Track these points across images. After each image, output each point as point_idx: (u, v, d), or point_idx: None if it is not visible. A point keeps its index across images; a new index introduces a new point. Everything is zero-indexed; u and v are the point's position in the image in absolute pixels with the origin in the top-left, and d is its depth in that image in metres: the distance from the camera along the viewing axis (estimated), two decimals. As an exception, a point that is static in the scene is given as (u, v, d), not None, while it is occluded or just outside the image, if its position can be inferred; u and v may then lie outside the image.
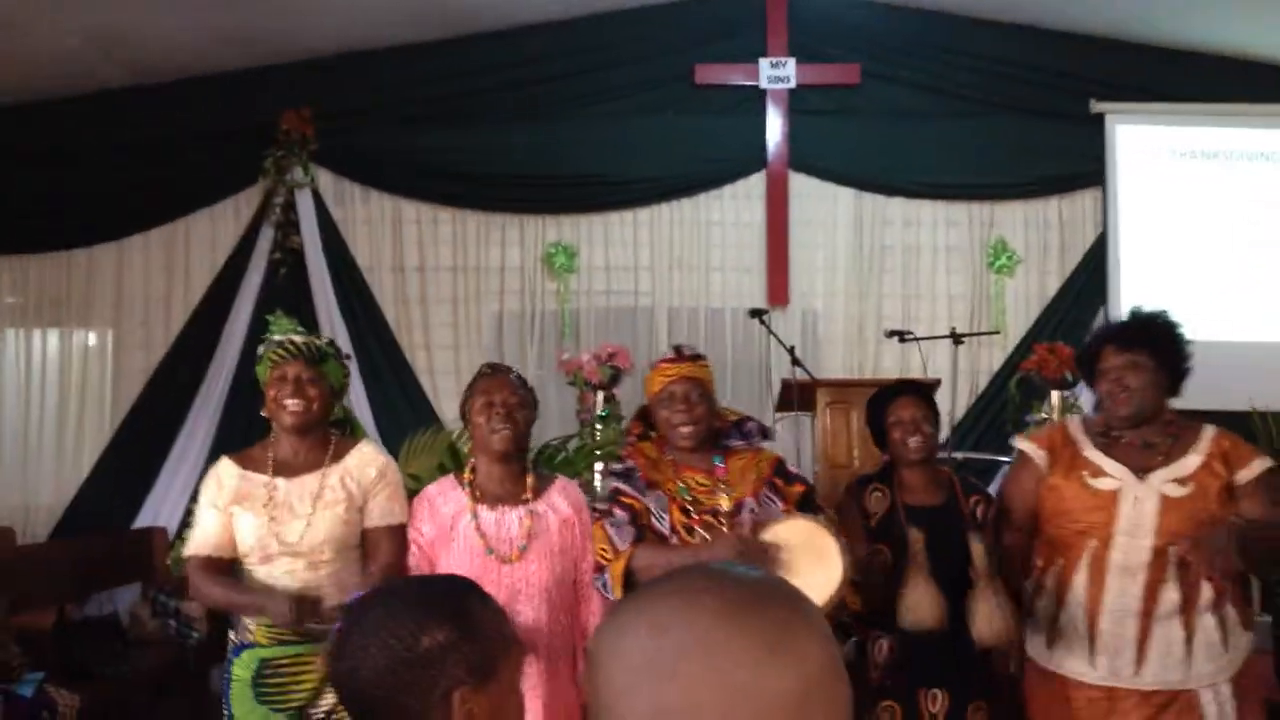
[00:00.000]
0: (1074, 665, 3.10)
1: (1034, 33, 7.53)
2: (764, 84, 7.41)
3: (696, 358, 3.22)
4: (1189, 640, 3.01)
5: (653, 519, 3.05)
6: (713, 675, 0.92)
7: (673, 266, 7.52)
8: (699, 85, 7.46)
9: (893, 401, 3.49)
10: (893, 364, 7.10)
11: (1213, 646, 3.02)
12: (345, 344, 7.30)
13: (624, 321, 7.42)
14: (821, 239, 7.55)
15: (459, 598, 1.59)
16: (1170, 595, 2.99)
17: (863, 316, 7.50)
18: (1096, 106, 7.55)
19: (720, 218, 7.59)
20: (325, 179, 7.46)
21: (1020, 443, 3.32)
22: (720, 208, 7.60)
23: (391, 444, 6.69)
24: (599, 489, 4.54)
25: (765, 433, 3.26)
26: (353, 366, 7.42)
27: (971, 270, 7.58)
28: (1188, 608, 3.00)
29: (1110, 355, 3.13)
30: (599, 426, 6.21)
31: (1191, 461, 3.06)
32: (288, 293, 7.16)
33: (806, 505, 3.12)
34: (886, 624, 3.29)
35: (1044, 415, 6.39)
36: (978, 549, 3.24)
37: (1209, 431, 3.13)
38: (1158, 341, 3.13)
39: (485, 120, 7.42)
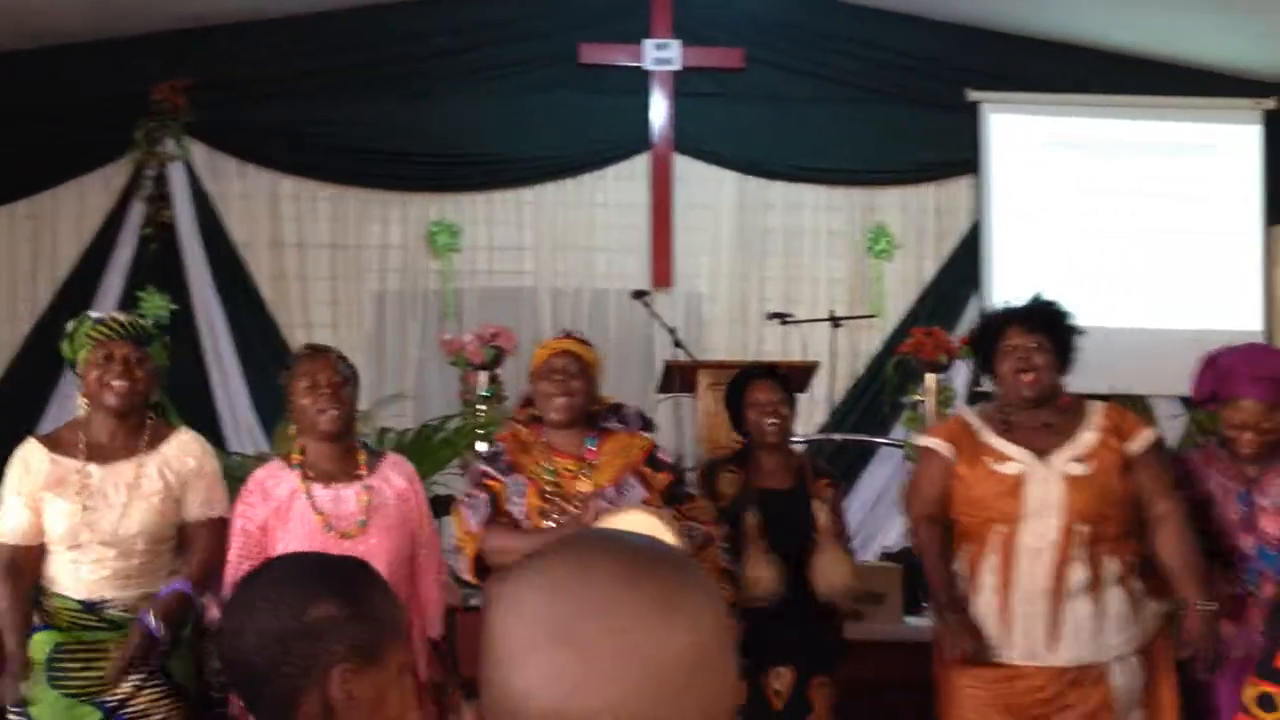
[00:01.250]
0: (991, 647, 3.14)
1: (914, 21, 7.65)
2: (648, 65, 7.42)
3: (584, 341, 3.24)
4: (1099, 615, 3.09)
5: (510, 501, 3.05)
6: (609, 636, 0.92)
7: (557, 247, 7.49)
8: (584, 65, 7.43)
9: (750, 385, 3.54)
10: (775, 346, 7.18)
11: (1121, 619, 3.12)
12: (220, 322, 7.15)
13: (507, 302, 7.37)
14: (705, 221, 7.60)
15: (352, 576, 1.57)
16: (1078, 573, 3.08)
17: (745, 299, 7.57)
18: (971, 95, 7.70)
19: (605, 199, 7.59)
20: (200, 152, 7.26)
21: (923, 440, 3.37)
22: (605, 189, 7.59)
23: (268, 424, 6.58)
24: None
25: (646, 422, 3.26)
26: (228, 345, 7.29)
27: (852, 254, 7.69)
28: (1095, 584, 3.09)
29: (1015, 335, 3.19)
30: (481, 407, 6.16)
31: (1089, 438, 3.15)
32: (159, 268, 6.98)
33: (674, 495, 3.15)
34: (732, 608, 3.34)
35: (919, 398, 6.50)
36: (820, 510, 3.31)
37: (1098, 406, 3.25)
38: (1057, 325, 3.22)
39: (367, 95, 7.30)
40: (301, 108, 7.27)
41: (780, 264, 7.64)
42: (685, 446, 5.73)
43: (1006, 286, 7.65)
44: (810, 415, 6.87)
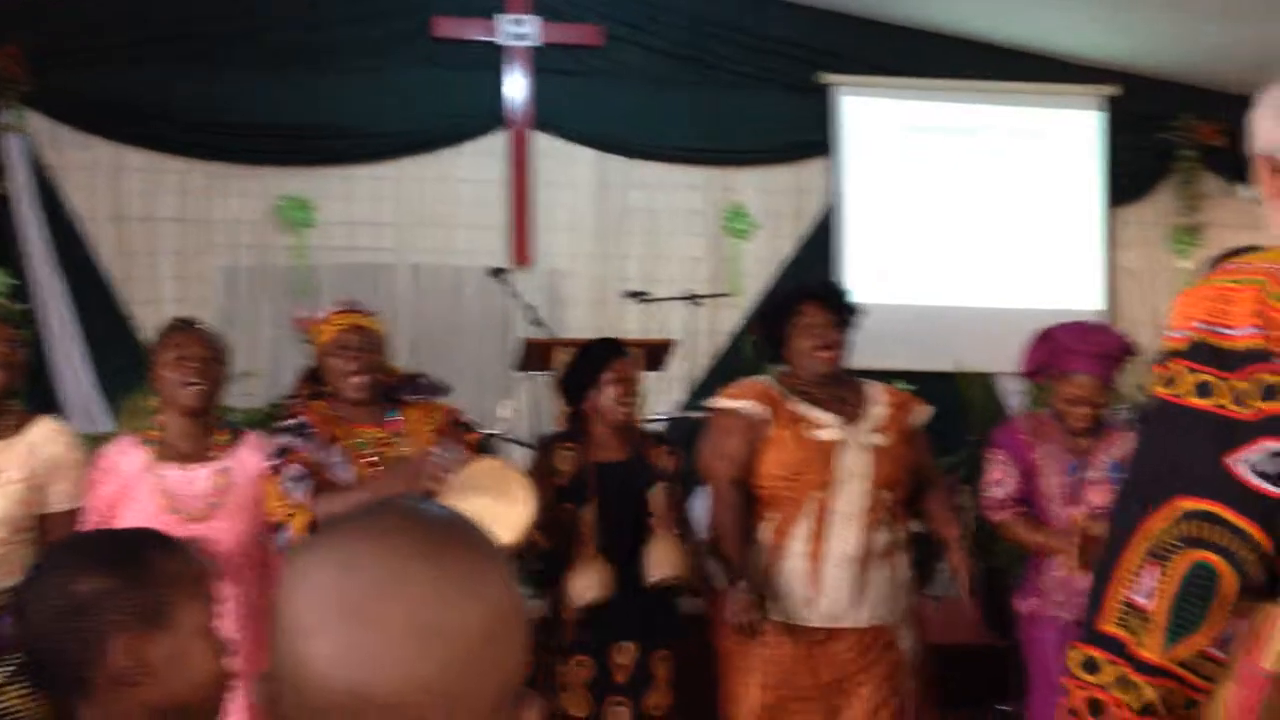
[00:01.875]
0: (796, 609, 3.24)
1: (770, 4, 7.73)
2: (504, 40, 7.35)
3: (369, 313, 3.19)
4: (893, 579, 3.26)
5: (335, 472, 3.00)
6: (404, 613, 0.92)
7: (415, 223, 7.39)
8: (438, 39, 7.33)
9: (611, 361, 3.55)
10: (635, 325, 7.20)
11: (906, 583, 3.32)
12: (60, 299, 6.89)
13: (364, 279, 7.23)
14: (565, 199, 7.58)
15: (129, 545, 1.55)
16: (881, 537, 3.23)
17: (605, 277, 7.57)
18: (825, 78, 7.82)
19: (463, 174, 7.50)
20: (39, 123, 6.96)
21: (728, 401, 3.37)
22: (463, 164, 7.50)
23: (114, 403, 6.38)
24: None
25: (437, 388, 3.23)
26: (69, 322, 7.01)
27: (710, 233, 7.76)
28: (891, 548, 3.25)
29: (814, 312, 3.27)
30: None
31: (880, 412, 3.32)
32: (-6, 243, 6.70)
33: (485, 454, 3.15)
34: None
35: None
36: (656, 496, 3.36)
37: (874, 384, 3.42)
38: (847, 306, 3.33)
39: (216, 66, 7.07)
40: (148, 78, 7.01)
41: (640, 243, 7.67)
42: (543, 423, 5.73)
43: (860, 265, 7.82)
44: (669, 394, 6.92)
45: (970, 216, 7.95)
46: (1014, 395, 7.39)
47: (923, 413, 3.41)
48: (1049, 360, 3.48)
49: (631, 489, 3.47)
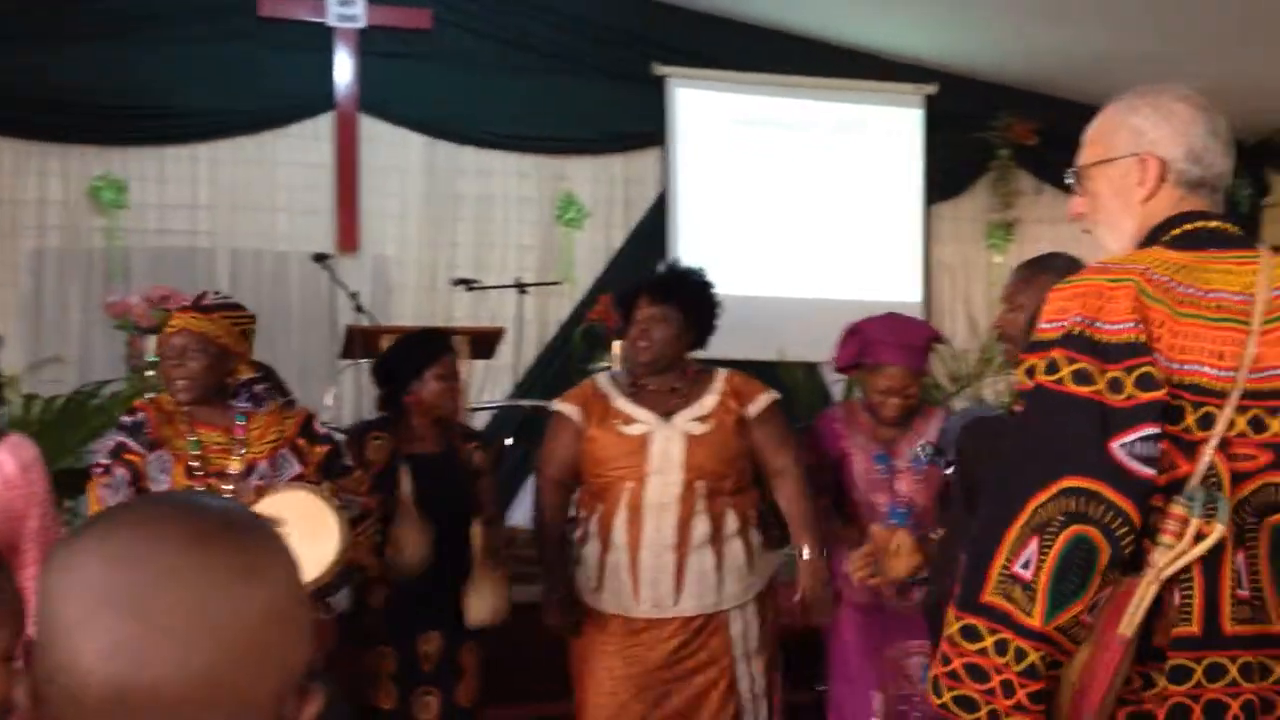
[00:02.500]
0: (620, 602, 3.27)
1: (604, -7, 7.74)
2: (331, 21, 7.18)
3: (214, 309, 2.97)
4: (719, 566, 3.27)
5: (152, 478, 2.88)
6: (180, 604, 0.90)
7: (235, 207, 7.16)
8: (264, 18, 7.12)
9: (438, 355, 3.51)
10: (464, 313, 7.14)
11: (740, 570, 3.31)
12: None
13: (181, 263, 6.98)
14: (393, 185, 7.45)
15: None
16: (701, 526, 3.25)
17: (435, 264, 7.48)
18: (658, 69, 7.86)
19: (287, 157, 7.30)
20: None
21: (556, 405, 3.45)
22: (287, 147, 7.30)
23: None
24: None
25: (261, 398, 3.04)
26: None
27: (542, 222, 7.73)
28: (716, 536, 3.27)
29: (644, 305, 3.30)
30: (150, 373, 5.84)
31: (709, 401, 3.33)
32: None
33: (331, 468, 3.04)
34: (385, 573, 3.37)
35: (605, 364, 6.61)
36: (477, 531, 3.37)
37: (721, 373, 3.43)
38: (688, 296, 3.34)
39: (25, 41, 6.69)
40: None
41: (470, 230, 7.59)
42: (367, 412, 5.62)
43: (691, 256, 7.85)
44: (498, 382, 6.88)
45: (797, 209, 8.09)
46: (837, 384, 7.56)
47: (762, 400, 3.39)
48: (860, 353, 3.55)
49: (443, 482, 3.45)
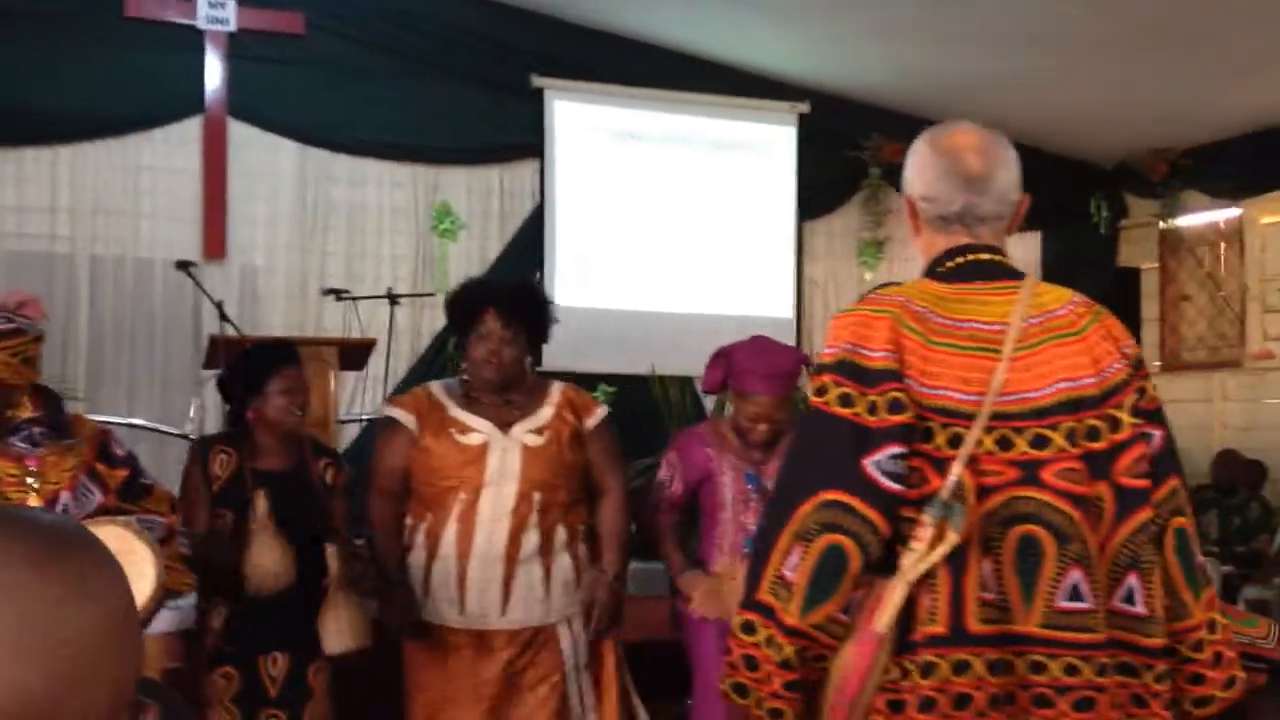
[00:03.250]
0: (446, 612, 3.23)
1: (482, 3, 7.69)
2: (201, 23, 7.01)
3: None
4: (547, 580, 3.24)
5: None
6: (16, 622, 0.90)
7: (97, 211, 6.94)
8: (130, 18, 6.92)
9: (280, 368, 3.43)
10: (335, 323, 7.01)
11: (568, 584, 3.29)
12: None
13: (38, 268, 6.75)
14: (263, 192, 7.30)
15: None
16: (531, 538, 3.22)
17: (305, 274, 7.35)
18: (536, 81, 7.85)
19: (152, 162, 7.11)
20: None
21: (389, 409, 3.38)
22: (153, 151, 7.11)
23: None
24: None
25: (61, 429, 2.89)
26: None
27: (416, 232, 7.65)
28: (546, 549, 3.24)
29: (491, 320, 3.25)
30: (2, 382, 5.63)
31: (546, 413, 3.31)
32: None
33: (131, 489, 2.95)
34: (229, 592, 3.30)
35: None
36: (332, 555, 3.30)
37: (557, 385, 3.43)
38: (534, 313, 3.32)
39: None
40: None
41: (342, 239, 7.48)
42: (232, 425, 5.50)
43: (568, 270, 7.89)
44: (370, 393, 6.78)
45: (672, 223, 8.14)
46: (711, 398, 7.61)
47: (598, 415, 3.39)
48: (726, 378, 3.58)
49: (293, 499, 3.37)
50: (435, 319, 7.53)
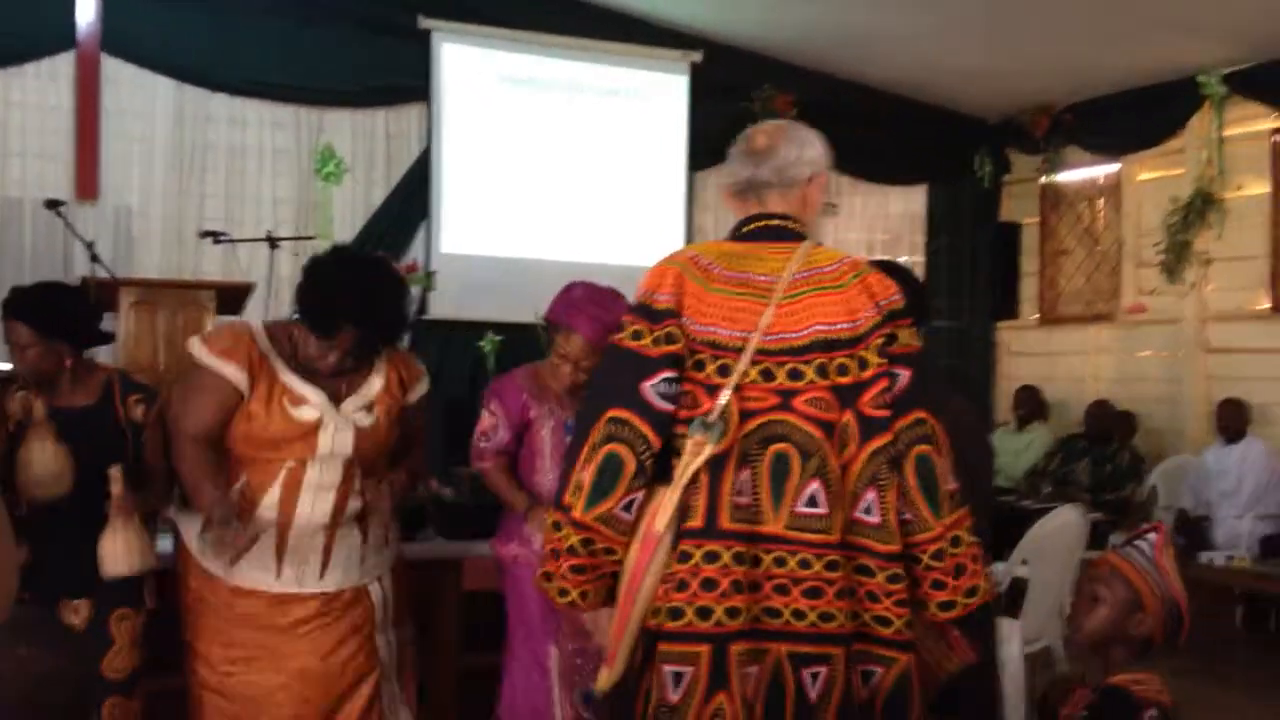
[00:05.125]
0: (256, 576, 3.07)
1: (367, -59, 7.53)
2: (72, -44, 6.76)
3: None
4: (364, 543, 3.15)
5: None
6: None
7: (-38, 149, 6.69)
8: (-3, -53, 6.63)
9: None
10: (213, 266, 6.89)
11: (379, 544, 3.19)
12: None
13: (-101, 207, 6.48)
14: (138, 131, 7.10)
15: None
16: (353, 505, 3.10)
17: (182, 216, 7.16)
18: (424, 23, 7.71)
19: (21, 98, 6.86)
20: None
21: (208, 359, 3.04)
22: (22, 87, 6.86)
23: None
24: None
25: None
26: None
27: (298, 175, 7.50)
28: (364, 515, 3.14)
29: (333, 344, 3.03)
30: None
31: (375, 385, 3.13)
32: None
33: None
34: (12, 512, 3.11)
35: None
36: (114, 477, 3.07)
37: (385, 354, 3.19)
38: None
39: None
40: None
41: (221, 181, 7.31)
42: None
43: (455, 216, 7.80)
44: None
45: (562, 171, 8.08)
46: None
47: (420, 389, 3.25)
48: (562, 311, 3.51)
49: (91, 436, 3.19)
50: (318, 264, 7.39)
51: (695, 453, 2.19)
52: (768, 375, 2.24)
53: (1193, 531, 6.84)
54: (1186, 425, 8.03)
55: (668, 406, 2.22)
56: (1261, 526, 6.81)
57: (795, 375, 2.24)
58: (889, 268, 2.57)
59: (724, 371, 2.23)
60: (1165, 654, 2.44)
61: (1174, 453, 7.83)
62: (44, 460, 3.08)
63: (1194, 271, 7.93)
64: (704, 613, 2.18)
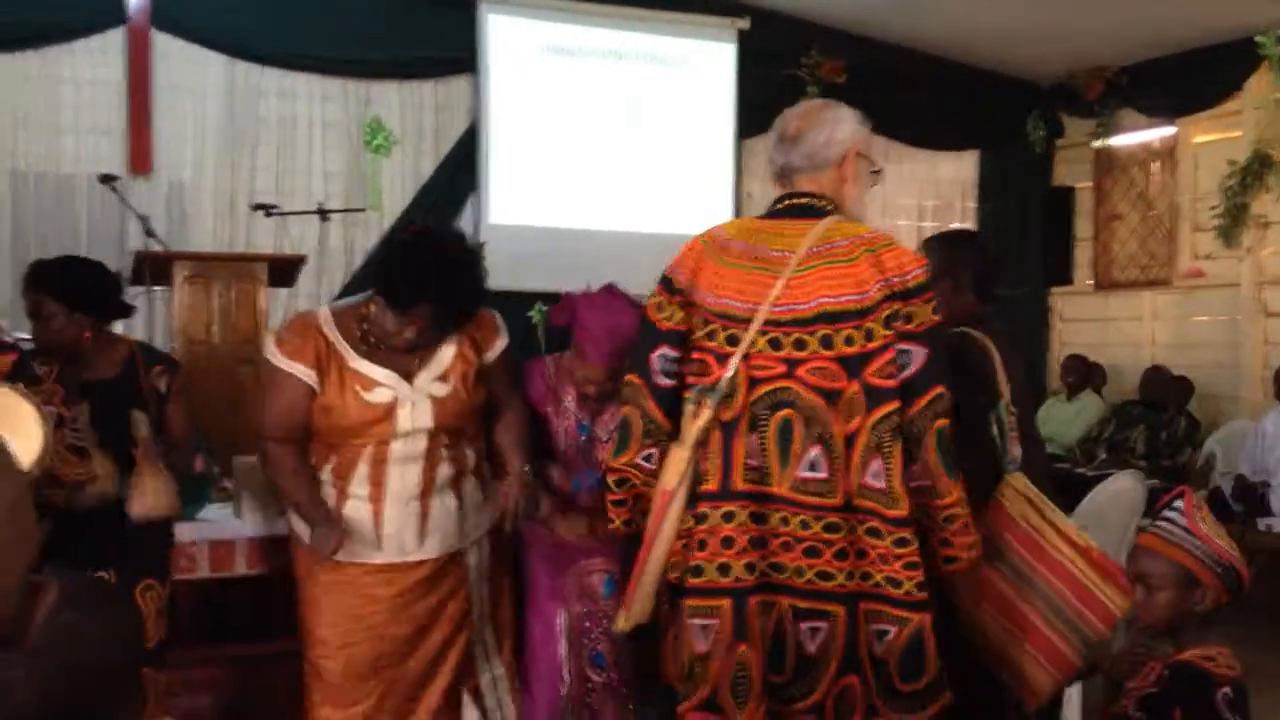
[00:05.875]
0: (363, 553, 3.13)
1: (411, -86, 7.51)
2: (120, -67, 6.78)
3: None
4: (461, 506, 3.20)
5: None
6: None
7: (17, 126, 6.74)
8: (47, -75, 6.67)
9: (26, 293, 3.33)
10: (266, 239, 6.92)
11: (477, 505, 3.25)
12: None
13: (-45, 184, 6.57)
14: (190, 105, 7.13)
15: None
16: (444, 471, 3.15)
17: (234, 189, 7.20)
18: (470, -7, 7.70)
19: (73, 74, 6.91)
20: None
21: (279, 360, 3.08)
22: (74, 63, 6.90)
23: None
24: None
25: None
26: None
27: (348, 148, 7.52)
28: (458, 479, 3.19)
29: (422, 313, 3.05)
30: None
31: (447, 353, 3.15)
32: None
33: (19, 374, 2.92)
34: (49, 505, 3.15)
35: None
36: (139, 421, 3.15)
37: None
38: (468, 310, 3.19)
39: None
40: None
41: (272, 155, 7.33)
42: (159, 340, 5.41)
43: (503, 187, 7.81)
44: (298, 310, 6.68)
45: (609, 141, 8.06)
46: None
47: (498, 346, 3.25)
48: (570, 326, 3.45)
49: (117, 409, 3.25)
50: (367, 236, 7.44)
51: (694, 415, 2.38)
52: (775, 345, 2.38)
53: (1251, 498, 6.75)
54: (1244, 390, 7.92)
55: (667, 382, 2.46)
56: (1321, 493, 6.71)
57: (800, 345, 2.36)
58: (954, 239, 2.59)
59: (733, 341, 2.38)
60: (1226, 623, 2.39)
61: (1231, 418, 7.72)
62: (160, 490, 3.17)
63: (1251, 235, 7.80)
64: (724, 569, 2.35)
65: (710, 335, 2.41)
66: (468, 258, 3.09)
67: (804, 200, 2.50)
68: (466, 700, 3.28)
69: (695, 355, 2.43)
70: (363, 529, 3.12)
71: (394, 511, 3.11)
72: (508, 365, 3.33)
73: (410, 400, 3.08)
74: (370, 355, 3.09)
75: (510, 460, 3.29)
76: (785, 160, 2.54)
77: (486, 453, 3.35)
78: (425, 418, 3.09)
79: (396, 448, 3.09)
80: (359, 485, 3.10)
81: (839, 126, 2.53)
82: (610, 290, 3.53)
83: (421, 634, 3.19)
